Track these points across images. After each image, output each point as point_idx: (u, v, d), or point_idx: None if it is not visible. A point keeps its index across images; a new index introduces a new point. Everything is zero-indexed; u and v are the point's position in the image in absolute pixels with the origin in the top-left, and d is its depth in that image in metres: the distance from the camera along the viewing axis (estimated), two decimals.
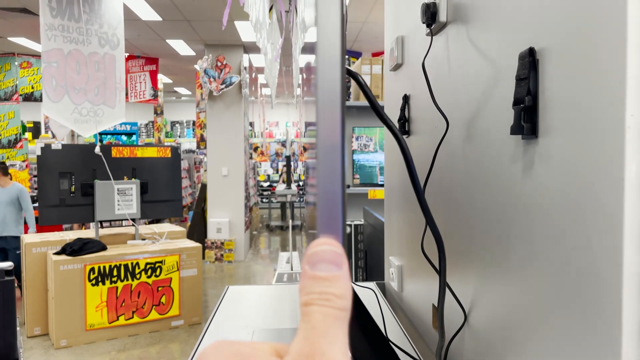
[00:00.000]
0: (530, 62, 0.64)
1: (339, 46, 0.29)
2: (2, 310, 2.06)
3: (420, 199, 0.78)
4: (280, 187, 9.87)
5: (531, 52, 0.64)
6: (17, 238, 5.45)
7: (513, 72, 0.70)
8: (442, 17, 1.00)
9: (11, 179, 5.75)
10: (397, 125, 1.39)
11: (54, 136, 9.73)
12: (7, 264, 2.12)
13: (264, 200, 13.34)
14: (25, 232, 5.70)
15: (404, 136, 1.37)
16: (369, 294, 1.41)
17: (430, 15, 1.01)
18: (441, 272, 0.84)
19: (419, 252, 1.22)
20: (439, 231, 0.83)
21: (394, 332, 1.21)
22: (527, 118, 0.65)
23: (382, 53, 4.11)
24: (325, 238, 0.27)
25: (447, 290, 0.97)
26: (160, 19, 6.54)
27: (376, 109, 0.73)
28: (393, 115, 1.48)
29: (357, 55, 4.53)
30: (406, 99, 1.36)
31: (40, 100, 7.26)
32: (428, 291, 1.19)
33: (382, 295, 1.57)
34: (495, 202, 0.79)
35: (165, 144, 9.70)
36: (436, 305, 1.13)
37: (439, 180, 1.07)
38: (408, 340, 1.16)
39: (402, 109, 1.37)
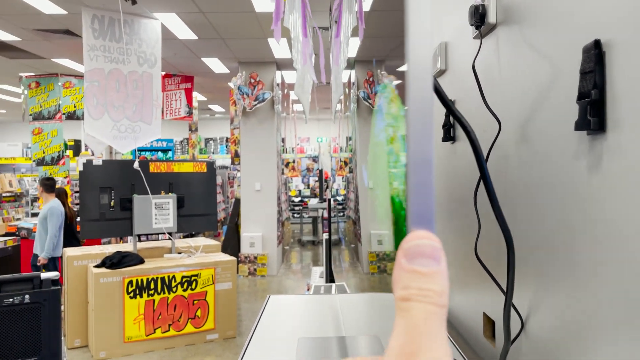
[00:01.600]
0: (596, 54, 0.62)
1: (430, 66, 0.30)
2: (48, 319, 2.10)
3: (491, 194, 0.76)
4: (313, 201, 9.87)
5: (597, 44, 0.62)
6: (55, 259, 5.33)
7: (574, 67, 0.68)
8: (492, 18, 0.99)
9: (59, 195, 5.63)
10: (441, 131, 1.38)
11: (93, 153, 10.03)
12: (54, 274, 2.17)
13: (296, 215, 13.38)
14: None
15: (449, 142, 1.35)
16: None
17: (479, 17, 1.00)
18: (509, 269, 0.81)
19: (468, 260, 1.19)
20: (507, 226, 0.80)
21: None
22: (593, 112, 0.62)
23: None
24: (422, 231, 0.26)
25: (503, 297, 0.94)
26: (196, 37, 6.70)
27: (454, 114, 0.72)
28: (438, 122, 1.46)
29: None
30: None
31: (81, 118, 7.50)
32: (478, 300, 1.16)
33: None
34: (556, 204, 0.76)
35: (199, 159, 9.86)
36: (488, 314, 1.10)
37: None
38: (457, 349, 1.13)
39: (447, 115, 1.35)
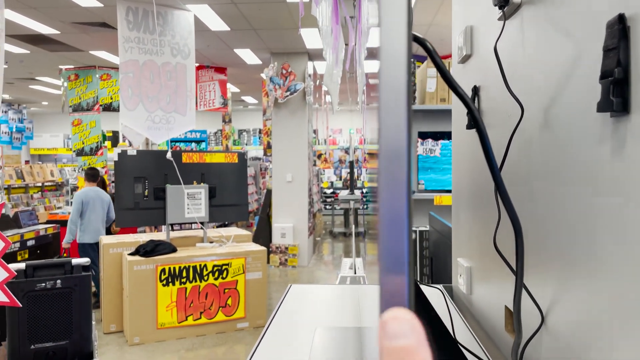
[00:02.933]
0: (619, 29, 0.58)
1: (405, 43, 0.27)
2: (79, 304, 2.16)
3: (496, 177, 0.73)
4: (343, 193, 9.84)
5: (621, 18, 0.58)
6: (84, 245, 5.50)
7: (598, 46, 0.63)
8: None
9: (101, 184, 5.88)
10: (466, 119, 1.33)
11: (130, 145, 10.27)
12: (84, 260, 2.23)
13: (327, 207, 13.39)
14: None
15: (473, 129, 1.31)
16: (436, 293, 1.35)
17: None
18: (518, 256, 0.77)
19: (490, 251, 1.15)
20: (515, 213, 0.76)
21: (463, 334, 1.15)
22: (617, 92, 0.58)
23: (449, 56, 4.00)
24: (395, 310, 0.24)
25: (523, 290, 0.90)
26: (228, 28, 6.75)
27: (447, 78, 0.69)
28: (462, 110, 1.41)
29: (422, 59, 4.44)
30: (476, 90, 1.29)
31: (118, 110, 7.70)
32: (500, 292, 1.12)
33: (450, 298, 1.50)
34: (579, 191, 0.72)
35: (232, 150, 9.96)
36: (510, 307, 1.06)
37: (513, 174, 1.00)
38: (477, 343, 1.10)
39: (472, 102, 1.30)
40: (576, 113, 0.72)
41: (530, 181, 0.91)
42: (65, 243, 5.49)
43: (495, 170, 0.74)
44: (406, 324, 0.23)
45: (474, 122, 0.72)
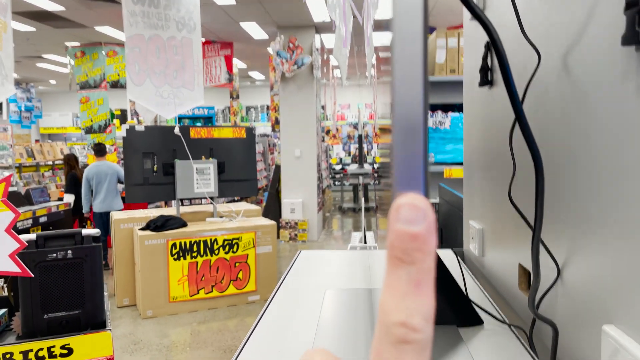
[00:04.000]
0: None
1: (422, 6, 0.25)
2: (90, 274, 2.17)
3: (517, 108, 0.70)
4: (353, 167, 9.80)
5: None
6: (95, 214, 6.09)
7: None
8: None
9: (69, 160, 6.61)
10: (479, 76, 1.29)
11: (139, 122, 10.27)
12: (95, 231, 2.23)
13: (336, 183, 13.37)
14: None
15: (486, 87, 1.27)
16: (448, 256, 1.34)
17: None
18: (538, 195, 0.74)
19: (504, 211, 1.12)
20: (537, 147, 0.73)
21: (475, 293, 1.13)
22: None
23: (459, 26, 3.91)
24: (409, 194, 0.23)
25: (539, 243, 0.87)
26: (234, 2, 6.65)
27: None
28: (474, 67, 1.37)
29: (431, 30, 4.35)
30: (489, 46, 1.25)
31: (125, 87, 7.68)
32: (514, 250, 1.09)
33: (462, 261, 1.48)
34: (600, 136, 0.68)
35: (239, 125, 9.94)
36: (524, 264, 1.03)
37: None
38: (490, 302, 1.08)
39: (484, 58, 1.26)
40: (597, 52, 0.68)
41: (547, 131, 0.87)
42: (86, 213, 6.12)
43: (516, 100, 0.71)
44: (420, 211, 0.22)
45: (492, 41, 0.68)
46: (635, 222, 0.60)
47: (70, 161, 6.66)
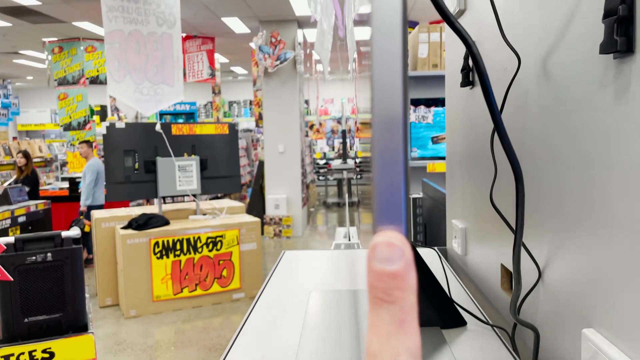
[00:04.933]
0: None
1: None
2: (71, 276, 2.14)
3: (495, 118, 0.70)
4: (336, 162, 9.80)
5: None
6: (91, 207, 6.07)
7: None
8: None
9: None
10: (460, 76, 1.29)
11: (119, 118, 10.13)
12: (75, 232, 2.20)
13: (321, 178, 13.37)
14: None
15: (468, 87, 1.27)
16: (430, 254, 1.34)
17: None
18: (519, 204, 0.75)
19: (485, 211, 1.13)
20: (516, 158, 0.74)
21: (458, 293, 1.14)
22: (621, 31, 0.55)
23: (442, 21, 3.91)
24: (388, 231, 0.23)
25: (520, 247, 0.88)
26: None
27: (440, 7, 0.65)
28: (455, 67, 1.37)
29: (413, 24, 4.36)
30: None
31: (105, 83, 7.54)
32: (496, 251, 1.10)
33: (444, 259, 1.49)
34: (578, 141, 0.69)
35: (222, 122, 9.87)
36: (506, 265, 1.05)
37: (509, 129, 0.97)
38: (473, 302, 1.09)
39: (466, 58, 1.26)
40: (576, 59, 0.69)
41: (527, 135, 0.88)
42: (82, 205, 6.07)
43: (495, 110, 0.71)
44: (396, 249, 0.22)
45: (472, 56, 0.69)
46: (613, 226, 0.61)
47: (29, 156, 6.96)
